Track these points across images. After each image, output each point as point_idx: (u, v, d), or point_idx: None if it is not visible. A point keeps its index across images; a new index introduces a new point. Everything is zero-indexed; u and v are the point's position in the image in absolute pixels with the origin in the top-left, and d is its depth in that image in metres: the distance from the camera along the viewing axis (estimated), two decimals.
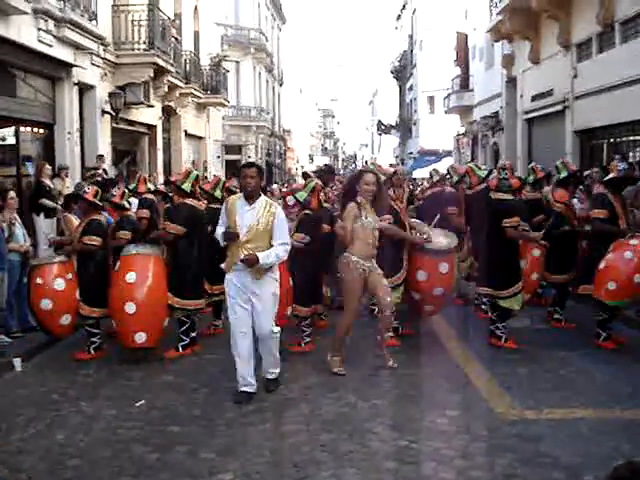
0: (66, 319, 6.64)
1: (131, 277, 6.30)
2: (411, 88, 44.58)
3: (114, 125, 14.64)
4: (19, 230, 7.28)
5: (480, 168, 8.29)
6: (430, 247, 6.72)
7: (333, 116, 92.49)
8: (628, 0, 12.74)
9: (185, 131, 20.42)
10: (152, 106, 15.96)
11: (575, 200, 8.51)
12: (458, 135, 30.74)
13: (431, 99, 39.95)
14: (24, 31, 10.21)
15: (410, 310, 7.35)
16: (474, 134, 27.08)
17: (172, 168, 18.62)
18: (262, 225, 5.25)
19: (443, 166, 16.07)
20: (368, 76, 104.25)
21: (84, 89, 13.18)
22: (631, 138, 13.46)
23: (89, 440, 4.62)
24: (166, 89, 16.80)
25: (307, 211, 6.80)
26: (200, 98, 21.02)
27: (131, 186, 8.08)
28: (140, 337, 6.28)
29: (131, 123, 15.93)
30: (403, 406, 5.23)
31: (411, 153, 43.95)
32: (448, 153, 33.73)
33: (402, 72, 47.42)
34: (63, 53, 11.71)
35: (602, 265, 6.54)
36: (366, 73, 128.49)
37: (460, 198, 8.17)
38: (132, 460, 4.30)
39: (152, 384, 5.87)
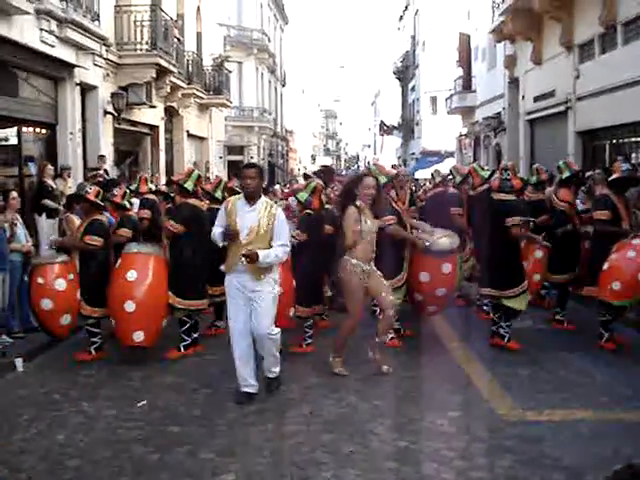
0: (66, 319, 6.65)
1: (132, 275, 6.32)
2: (413, 89, 44.56)
3: (116, 125, 14.64)
4: (21, 230, 7.28)
5: (483, 169, 8.28)
6: (432, 247, 6.71)
7: (335, 117, 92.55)
8: (630, 1, 12.72)
9: (187, 132, 20.42)
10: (154, 107, 15.96)
11: (577, 201, 8.49)
12: (460, 136, 30.69)
13: (433, 100, 39.88)
14: (26, 31, 10.21)
15: (413, 311, 7.34)
16: (476, 135, 27.06)
17: (174, 169, 18.59)
18: (263, 227, 5.24)
19: (445, 167, 16.08)
20: (370, 77, 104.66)
21: (86, 89, 13.18)
22: (633, 139, 13.41)
23: (89, 440, 4.62)
24: (168, 90, 16.80)
25: (308, 211, 6.81)
26: (202, 99, 21.02)
27: (133, 186, 8.09)
28: (138, 336, 6.29)
29: (133, 124, 15.91)
30: (404, 407, 5.23)
31: (413, 154, 43.95)
32: (450, 154, 33.69)
33: (404, 73, 47.44)
34: (65, 53, 11.71)
35: (606, 266, 6.55)
36: (368, 74, 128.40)
37: (462, 199, 8.16)
38: (132, 460, 4.30)
39: (153, 384, 5.88)
